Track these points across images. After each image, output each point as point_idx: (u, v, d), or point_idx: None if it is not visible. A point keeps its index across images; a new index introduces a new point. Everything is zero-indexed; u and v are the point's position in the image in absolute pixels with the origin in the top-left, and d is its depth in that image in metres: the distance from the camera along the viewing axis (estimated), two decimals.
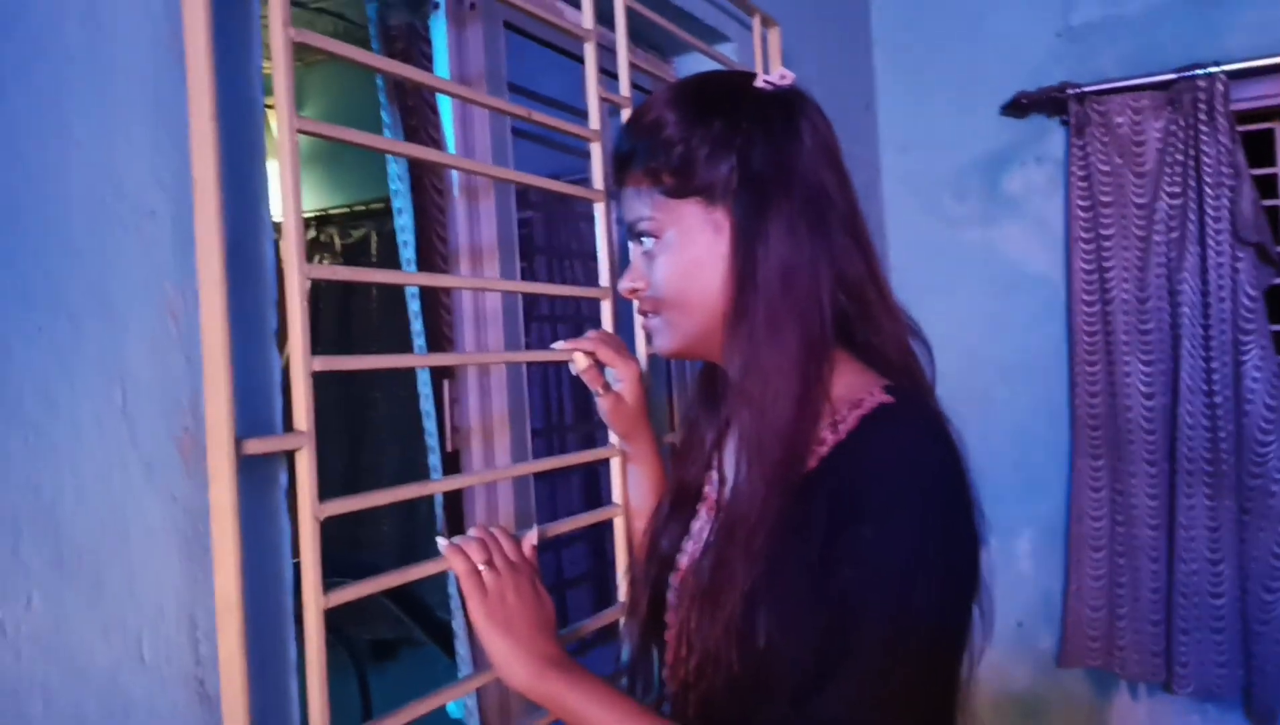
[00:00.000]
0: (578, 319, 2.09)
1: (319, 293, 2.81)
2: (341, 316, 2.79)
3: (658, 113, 0.91)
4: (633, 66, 1.29)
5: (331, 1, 2.15)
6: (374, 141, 0.86)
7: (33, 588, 0.65)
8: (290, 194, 0.78)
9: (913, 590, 0.77)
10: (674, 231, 0.90)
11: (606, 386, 1.10)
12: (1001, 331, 2.43)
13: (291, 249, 0.78)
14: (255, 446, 0.75)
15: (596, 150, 1.21)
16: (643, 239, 0.93)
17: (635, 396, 1.12)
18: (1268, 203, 2.14)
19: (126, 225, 0.71)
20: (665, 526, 1.04)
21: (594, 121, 1.20)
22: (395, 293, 2.80)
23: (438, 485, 0.95)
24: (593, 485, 2.07)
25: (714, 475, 1.02)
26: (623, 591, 1.21)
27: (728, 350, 0.89)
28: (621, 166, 0.94)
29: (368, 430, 2.63)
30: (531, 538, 1.01)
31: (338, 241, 2.94)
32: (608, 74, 1.25)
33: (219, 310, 0.72)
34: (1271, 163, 2.21)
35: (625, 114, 1.27)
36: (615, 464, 1.20)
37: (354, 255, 2.90)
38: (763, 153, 0.87)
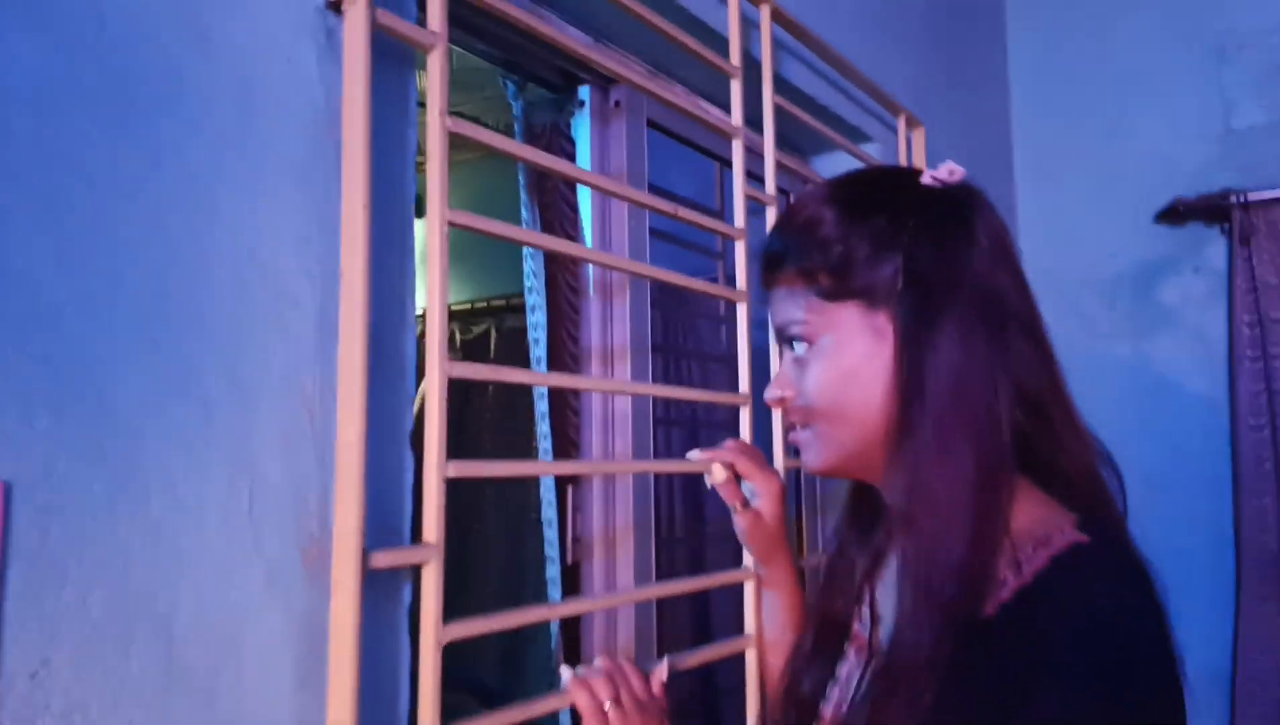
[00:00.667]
0: (693, 424, 2.02)
1: None
2: (456, 416, 2.78)
3: (813, 210, 0.84)
4: (777, 165, 1.24)
5: (469, 106, 2.20)
6: (523, 236, 0.82)
7: (136, 705, 0.59)
8: (437, 287, 0.73)
9: None
10: (830, 336, 0.82)
11: (745, 502, 1.01)
12: (1155, 454, 2.24)
13: (434, 344, 0.73)
14: (383, 559, 0.69)
15: (740, 248, 1.15)
16: (794, 344, 0.86)
17: (775, 515, 1.02)
18: None
19: (269, 314, 0.67)
20: (807, 667, 0.94)
21: (739, 219, 1.14)
22: (511, 391, 2.79)
23: (563, 609, 0.87)
24: (701, 604, 1.95)
25: (865, 611, 0.91)
26: None
27: (890, 471, 0.80)
28: (772, 266, 0.87)
29: (474, 536, 2.57)
30: (661, 673, 0.92)
31: (458, 337, 2.97)
32: (750, 175, 1.20)
33: (358, 409, 0.67)
34: None
35: (770, 212, 1.21)
36: (749, 589, 1.10)
37: (473, 352, 2.91)
38: (932, 252, 0.79)
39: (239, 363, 0.65)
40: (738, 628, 1.83)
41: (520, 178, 1.29)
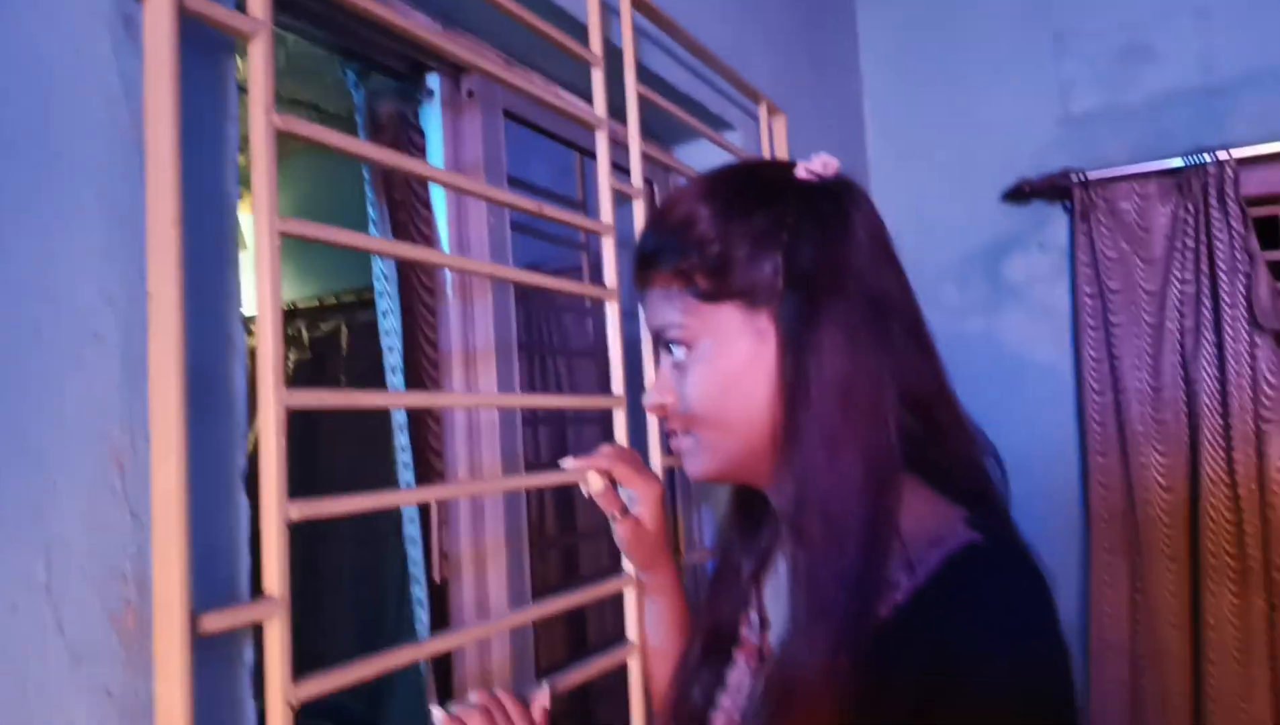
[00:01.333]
0: (560, 421, 1.96)
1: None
2: (296, 424, 2.58)
3: (688, 207, 0.80)
4: (644, 155, 1.19)
5: (306, 92, 2.04)
6: (368, 243, 0.73)
7: None
8: (269, 307, 0.64)
9: None
10: (709, 340, 0.78)
11: (624, 510, 0.97)
12: (1008, 423, 2.32)
13: (268, 372, 0.65)
14: (215, 622, 0.60)
15: (607, 244, 1.09)
16: (672, 348, 0.81)
17: (656, 520, 0.98)
18: None
19: (65, 354, 0.57)
20: (696, 675, 0.91)
21: (605, 215, 1.08)
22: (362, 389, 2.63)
23: (432, 646, 0.80)
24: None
25: (753, 616, 0.89)
26: None
27: (776, 477, 0.77)
28: (646, 266, 0.82)
29: (323, 559, 2.40)
30: (543, 699, 0.86)
31: (306, 336, 2.79)
32: (614, 165, 1.14)
33: (175, 453, 0.58)
34: (1278, 246, 2.16)
35: (637, 205, 1.16)
36: (630, 597, 1.05)
37: (323, 350, 2.74)
38: (813, 249, 0.76)
39: (29, 416, 0.54)
40: (614, 621, 1.79)
41: (365, 174, 1.19)
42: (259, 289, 0.65)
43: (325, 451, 2.55)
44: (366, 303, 2.60)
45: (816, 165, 0.81)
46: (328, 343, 2.72)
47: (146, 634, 0.59)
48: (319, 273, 2.77)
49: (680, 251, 0.78)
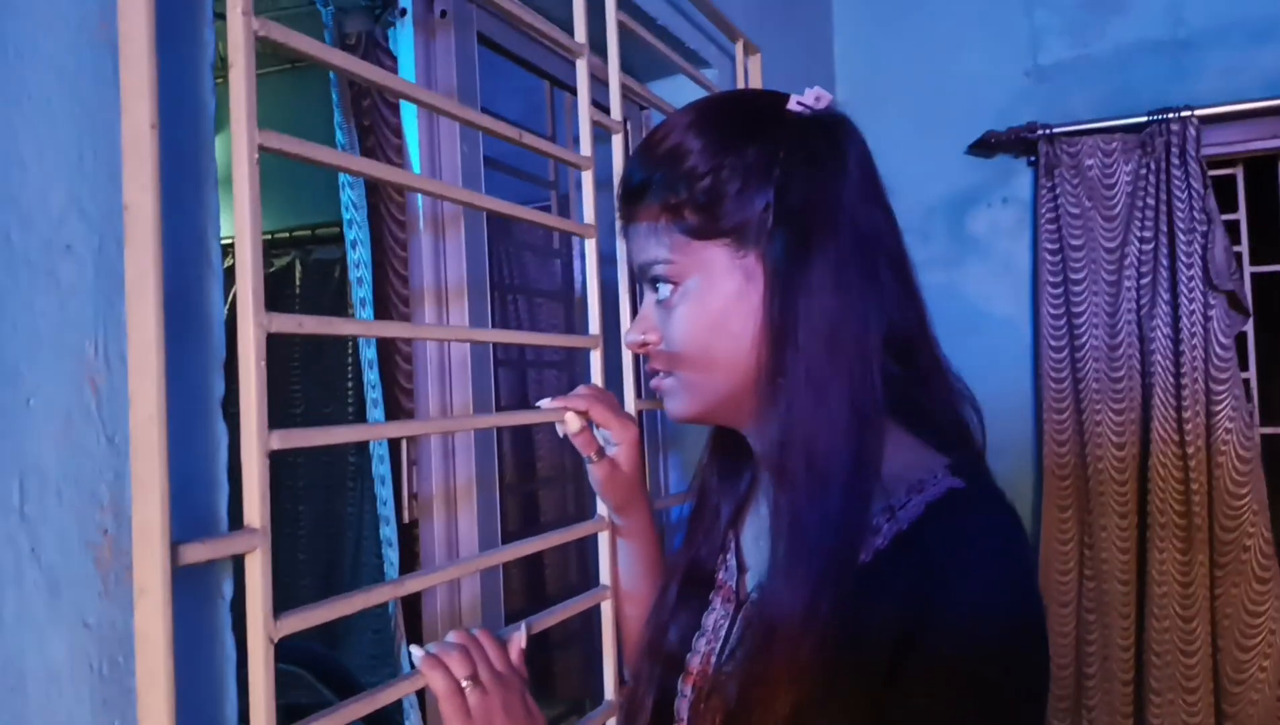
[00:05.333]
0: (522, 364, 1.93)
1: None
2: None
3: (678, 138, 0.78)
4: (622, 89, 1.15)
5: (268, 10, 1.95)
6: (350, 162, 0.70)
7: None
8: (248, 227, 0.61)
9: (1004, 712, 0.65)
10: (697, 278, 0.77)
11: (600, 451, 0.95)
12: (967, 378, 2.35)
13: (248, 294, 0.61)
14: (195, 553, 0.58)
15: (586, 179, 1.06)
16: (658, 286, 0.80)
17: (633, 462, 0.97)
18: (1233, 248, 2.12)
19: (35, 266, 0.53)
20: (672, 618, 0.90)
21: (585, 147, 1.05)
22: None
23: (408, 586, 0.78)
24: (535, 555, 1.88)
25: (730, 560, 0.88)
26: (611, 689, 1.05)
27: (760, 419, 0.77)
28: (633, 200, 0.80)
29: (283, 496, 2.34)
30: (520, 640, 0.85)
31: None
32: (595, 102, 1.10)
33: (154, 375, 0.54)
34: (1235, 208, 2.20)
35: (616, 141, 1.13)
36: (604, 540, 1.04)
37: (276, 286, 2.65)
38: (804, 186, 0.74)
39: None
40: (579, 574, 1.79)
41: (334, 97, 1.14)
42: (237, 205, 0.62)
43: (278, 391, 2.48)
44: (321, 239, 2.51)
45: (809, 98, 0.80)
46: (280, 279, 2.63)
47: (125, 564, 0.56)
48: (272, 206, 2.67)
49: (669, 185, 0.76)
